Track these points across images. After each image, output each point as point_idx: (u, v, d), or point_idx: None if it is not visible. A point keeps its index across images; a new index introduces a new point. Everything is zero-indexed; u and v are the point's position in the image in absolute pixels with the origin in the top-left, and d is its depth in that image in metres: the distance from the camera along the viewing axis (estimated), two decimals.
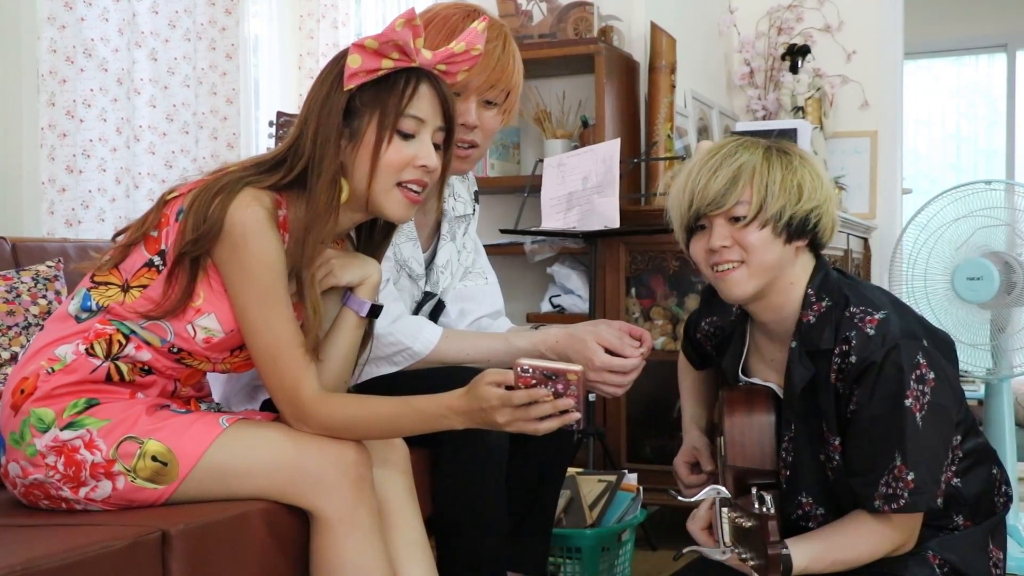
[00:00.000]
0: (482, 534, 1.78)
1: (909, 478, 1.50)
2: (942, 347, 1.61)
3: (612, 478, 2.41)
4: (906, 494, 1.51)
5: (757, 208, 1.56)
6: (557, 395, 1.45)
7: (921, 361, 1.52)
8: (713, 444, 1.86)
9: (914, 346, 1.52)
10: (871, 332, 1.53)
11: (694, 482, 1.84)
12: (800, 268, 1.62)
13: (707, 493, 1.50)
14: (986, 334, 2.80)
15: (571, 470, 2.40)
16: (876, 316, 1.54)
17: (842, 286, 1.61)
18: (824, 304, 1.59)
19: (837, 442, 1.58)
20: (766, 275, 1.59)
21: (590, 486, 2.39)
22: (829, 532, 1.58)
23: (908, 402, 1.50)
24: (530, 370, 1.44)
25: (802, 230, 1.59)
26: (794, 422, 1.62)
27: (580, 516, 2.34)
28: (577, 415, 1.46)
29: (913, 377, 1.51)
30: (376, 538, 1.53)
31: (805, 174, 1.59)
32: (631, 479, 2.44)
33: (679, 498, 1.60)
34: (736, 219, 1.57)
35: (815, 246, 1.64)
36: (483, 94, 1.84)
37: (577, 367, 1.44)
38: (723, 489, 1.49)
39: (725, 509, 1.46)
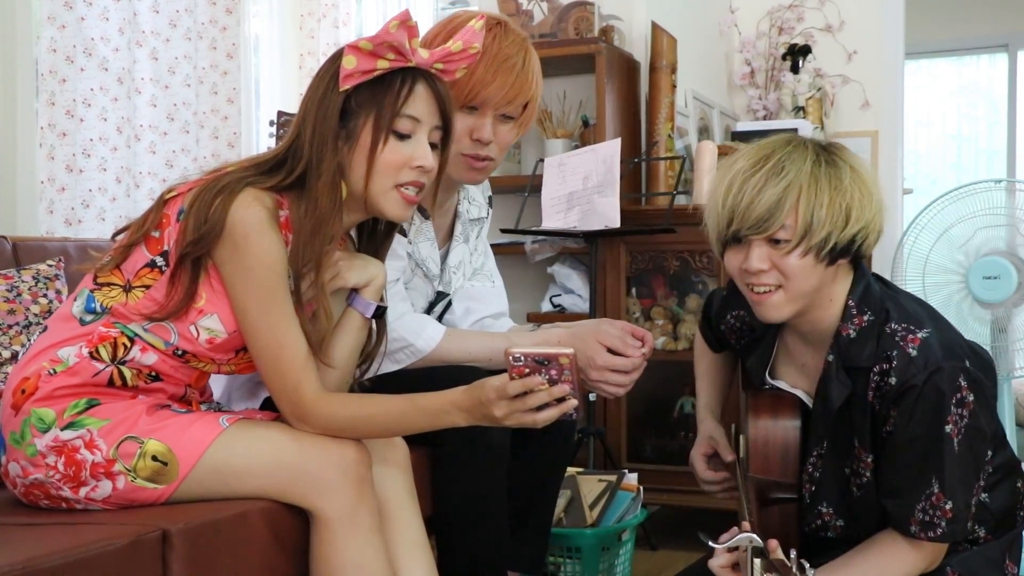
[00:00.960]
0: (482, 533, 1.78)
1: (947, 507, 1.47)
2: (983, 365, 1.56)
3: (612, 478, 2.41)
4: (944, 523, 1.48)
5: (802, 234, 1.47)
6: (552, 382, 1.44)
7: (963, 384, 1.47)
8: (728, 432, 1.83)
9: (956, 369, 1.47)
10: (913, 353, 1.48)
11: (713, 479, 1.80)
12: (840, 284, 1.56)
13: (739, 541, 1.42)
14: (987, 334, 2.80)
15: (571, 469, 2.40)
16: (919, 335, 1.49)
17: (884, 299, 1.55)
18: (866, 318, 1.53)
19: (869, 459, 1.54)
20: (804, 299, 1.53)
21: (590, 486, 2.39)
22: (860, 559, 1.55)
23: (948, 428, 1.46)
24: (522, 358, 1.43)
25: (846, 252, 1.52)
26: (826, 439, 1.58)
27: (580, 516, 2.34)
28: (574, 402, 1.45)
29: (954, 401, 1.46)
30: (376, 537, 1.53)
31: (855, 192, 1.49)
32: (631, 479, 2.44)
33: (711, 544, 1.47)
34: (777, 241, 1.49)
35: (857, 258, 1.56)
36: (501, 109, 1.82)
37: (568, 350, 1.42)
38: (756, 538, 1.41)
39: (758, 560, 1.38)
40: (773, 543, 1.47)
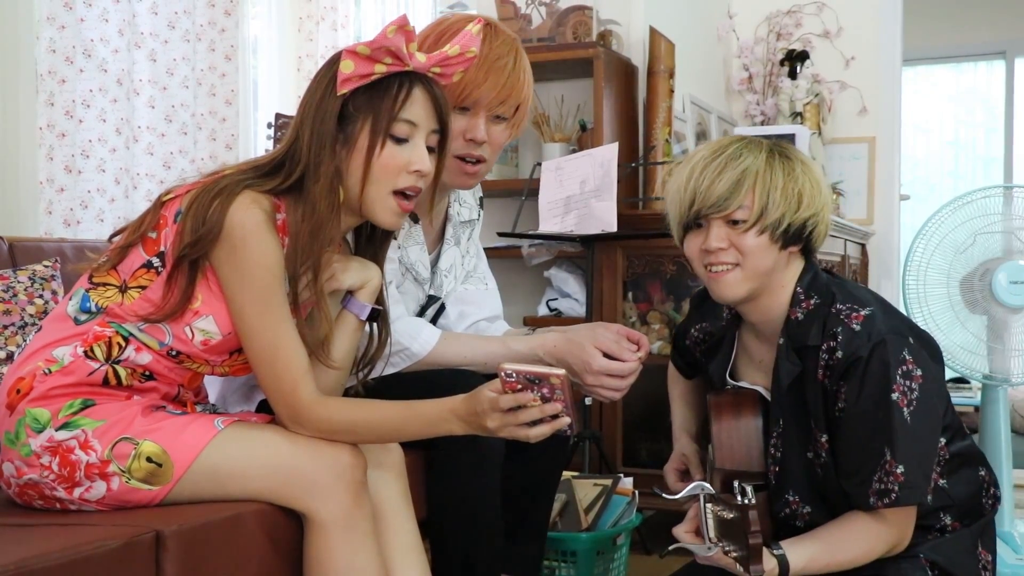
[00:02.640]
0: (477, 537, 1.77)
1: (899, 471, 1.51)
2: (928, 347, 1.62)
3: (608, 482, 2.41)
4: (896, 487, 1.52)
5: (758, 214, 1.58)
6: (544, 400, 1.45)
7: (907, 357, 1.53)
8: (703, 452, 1.86)
9: (900, 342, 1.54)
10: (857, 328, 1.55)
11: (681, 489, 1.84)
12: (791, 271, 1.65)
13: (692, 490, 1.51)
14: (983, 339, 2.80)
15: (567, 474, 2.40)
16: (862, 312, 1.57)
17: (830, 284, 1.64)
18: (812, 302, 1.62)
19: (824, 439, 1.59)
20: (759, 279, 1.61)
21: (586, 490, 2.38)
22: (825, 533, 1.59)
23: (895, 396, 1.52)
24: (514, 374, 1.44)
25: (798, 237, 1.62)
26: (781, 418, 1.63)
27: (575, 520, 2.34)
28: (567, 420, 1.46)
29: (900, 372, 1.52)
30: (370, 541, 1.53)
31: (806, 181, 1.61)
32: (627, 483, 2.44)
33: (664, 495, 1.63)
34: (735, 222, 1.59)
35: (807, 250, 1.66)
36: (493, 110, 1.83)
37: (560, 371, 1.43)
38: (707, 485, 1.50)
39: (709, 505, 1.47)
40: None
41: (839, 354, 1.55)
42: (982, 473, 1.70)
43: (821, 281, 1.64)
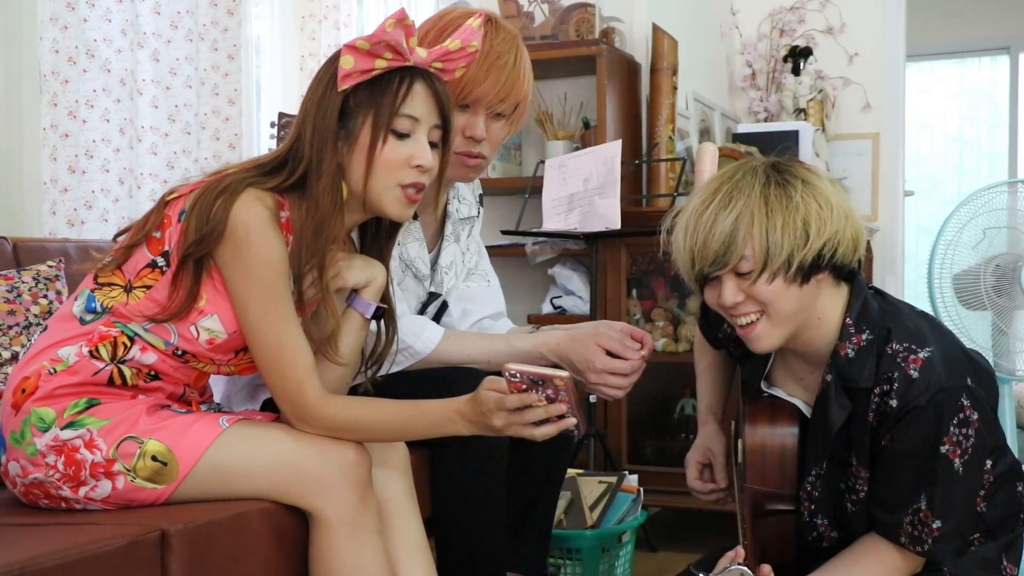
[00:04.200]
0: (481, 535, 1.77)
1: (935, 526, 1.47)
2: (984, 377, 1.54)
3: (612, 479, 2.41)
4: (930, 541, 1.48)
5: (762, 262, 1.46)
6: (549, 400, 1.44)
7: (965, 403, 1.45)
8: (728, 439, 1.82)
9: (958, 390, 1.46)
10: (915, 375, 1.46)
11: (702, 489, 1.81)
12: (827, 300, 1.53)
13: (731, 573, 1.44)
14: (988, 335, 2.80)
15: (572, 471, 2.40)
16: (920, 356, 1.47)
17: (884, 316, 1.53)
18: (864, 337, 1.51)
19: (866, 475, 1.54)
20: (791, 321, 1.51)
21: (590, 487, 2.39)
22: (844, 566, 1.55)
23: (944, 448, 1.45)
24: (518, 375, 1.43)
25: (817, 267, 1.49)
26: (825, 459, 1.57)
27: (580, 517, 2.34)
28: (573, 420, 1.46)
29: (955, 422, 1.45)
30: (375, 539, 1.53)
31: (810, 206, 1.47)
32: (632, 480, 2.44)
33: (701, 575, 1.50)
34: (742, 274, 1.48)
35: (840, 272, 1.53)
36: (493, 107, 1.82)
37: (564, 372, 1.43)
38: (747, 571, 1.43)
39: None
40: (766, 568, 1.47)
41: (894, 403, 1.46)
42: (1019, 489, 1.63)
43: (872, 311, 1.53)
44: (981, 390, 1.49)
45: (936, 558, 1.51)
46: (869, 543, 1.55)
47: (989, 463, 1.55)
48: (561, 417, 1.45)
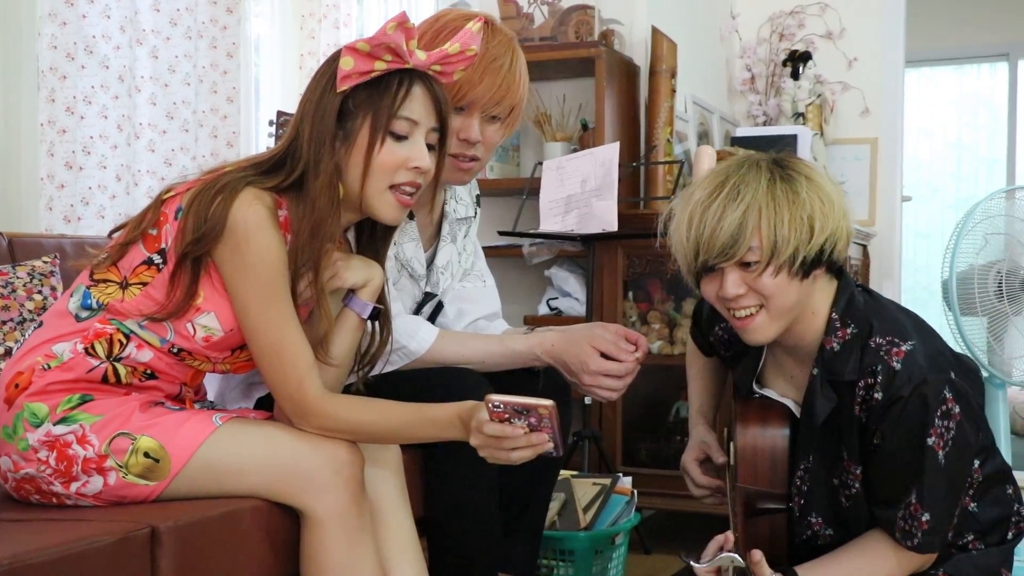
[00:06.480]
0: (474, 535, 1.77)
1: (924, 519, 1.49)
2: (968, 375, 1.56)
3: (606, 481, 2.40)
4: (920, 534, 1.50)
5: (770, 253, 1.48)
6: (532, 428, 1.44)
7: (948, 396, 1.47)
8: (720, 437, 1.83)
9: (941, 381, 1.48)
10: (898, 366, 1.48)
11: (706, 483, 1.81)
12: (820, 294, 1.56)
13: (721, 560, 1.46)
14: (983, 340, 2.80)
15: (565, 473, 2.40)
16: (903, 348, 1.49)
17: (868, 311, 1.55)
18: (849, 331, 1.54)
19: (858, 471, 1.55)
20: (787, 315, 1.53)
21: (584, 489, 2.38)
22: (845, 560, 1.56)
23: (931, 441, 1.47)
24: (501, 406, 1.43)
25: (817, 262, 1.52)
26: (811, 454, 1.58)
27: (574, 519, 2.34)
28: (551, 446, 1.46)
29: (939, 414, 1.47)
30: (367, 538, 1.53)
31: (814, 202, 1.50)
32: (626, 482, 2.44)
33: (693, 564, 1.51)
34: (747, 264, 1.50)
35: (833, 267, 1.57)
36: (488, 110, 1.82)
37: (548, 402, 1.42)
38: (737, 557, 1.44)
39: None
40: (757, 554, 1.48)
41: (878, 395, 1.49)
42: (1009, 491, 1.65)
43: (857, 306, 1.56)
44: (965, 385, 1.51)
45: (925, 552, 1.52)
46: (873, 538, 1.56)
47: (977, 463, 1.57)
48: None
